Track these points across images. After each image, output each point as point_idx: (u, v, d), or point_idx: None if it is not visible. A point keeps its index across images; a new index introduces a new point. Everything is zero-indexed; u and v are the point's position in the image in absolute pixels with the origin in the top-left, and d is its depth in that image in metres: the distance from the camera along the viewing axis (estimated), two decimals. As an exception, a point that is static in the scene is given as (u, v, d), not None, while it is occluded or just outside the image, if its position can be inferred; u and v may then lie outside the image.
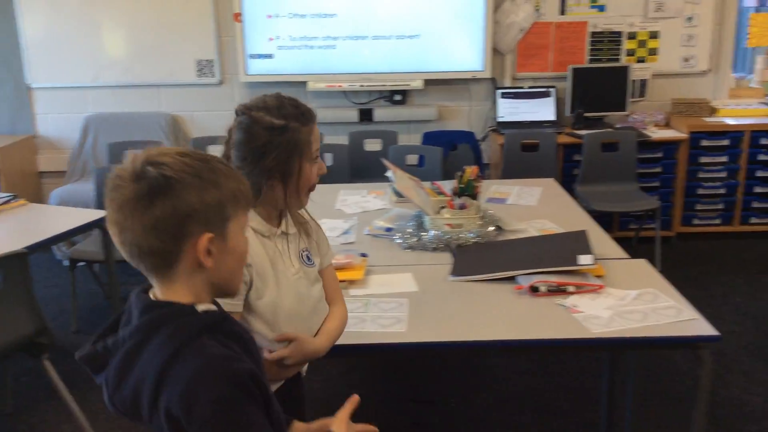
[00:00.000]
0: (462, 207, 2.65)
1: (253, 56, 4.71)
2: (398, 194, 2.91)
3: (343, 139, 4.61)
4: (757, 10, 5.07)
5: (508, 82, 4.89)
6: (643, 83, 4.85)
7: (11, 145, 4.71)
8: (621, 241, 2.67)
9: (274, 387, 1.52)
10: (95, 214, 3.25)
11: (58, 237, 3.05)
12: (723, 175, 4.65)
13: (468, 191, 2.74)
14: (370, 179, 3.80)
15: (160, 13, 4.71)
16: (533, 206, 3.09)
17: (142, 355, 1.04)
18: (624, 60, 4.85)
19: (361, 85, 4.76)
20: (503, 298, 2.11)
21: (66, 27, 4.72)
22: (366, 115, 4.84)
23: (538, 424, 2.82)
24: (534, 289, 2.11)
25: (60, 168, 4.87)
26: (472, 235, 2.56)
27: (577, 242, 2.39)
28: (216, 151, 4.65)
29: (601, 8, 4.79)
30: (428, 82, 4.79)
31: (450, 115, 4.97)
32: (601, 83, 4.78)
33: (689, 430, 1.98)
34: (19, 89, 4.84)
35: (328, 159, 4.20)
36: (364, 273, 2.29)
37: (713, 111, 4.78)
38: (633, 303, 2.02)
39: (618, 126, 4.69)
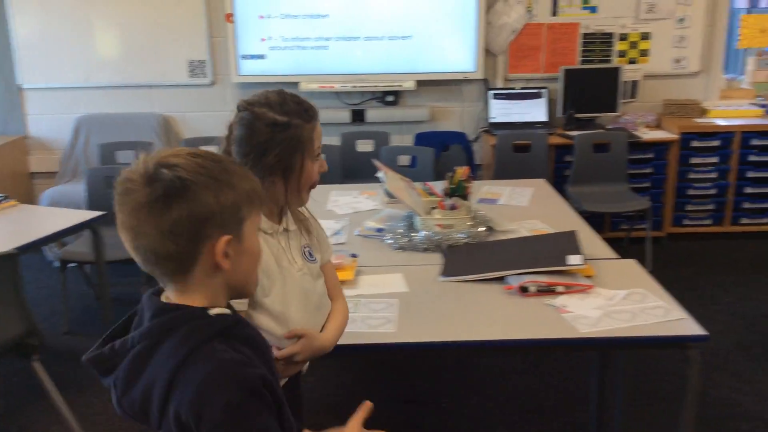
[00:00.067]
0: (453, 208, 2.66)
1: (245, 57, 4.71)
2: (390, 195, 2.92)
3: (335, 140, 4.61)
4: (749, 11, 5.09)
5: (500, 83, 4.90)
6: (635, 84, 4.87)
7: (2, 145, 4.69)
8: (612, 242, 2.69)
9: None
10: (86, 215, 3.24)
11: (48, 238, 3.04)
12: (714, 175, 4.67)
13: (459, 192, 2.75)
14: (362, 180, 3.80)
15: (152, 14, 4.70)
16: (524, 207, 3.10)
17: (153, 358, 1.02)
18: (615, 61, 4.87)
19: (354, 86, 4.77)
20: (493, 299, 2.11)
21: (57, 28, 4.71)
22: (358, 116, 4.84)
23: (528, 424, 2.83)
24: (524, 290, 2.12)
25: (51, 169, 4.86)
26: (462, 235, 2.57)
27: (567, 242, 2.40)
28: (210, 150, 4.60)
29: (593, 9, 4.81)
30: (420, 83, 4.80)
31: (442, 115, 4.98)
32: (592, 84, 4.80)
33: (678, 430, 1.99)
34: (10, 90, 4.82)
35: (320, 160, 4.18)
36: (355, 273, 2.29)
37: (704, 112, 4.81)
38: (622, 303, 2.03)
39: (609, 127, 4.71)
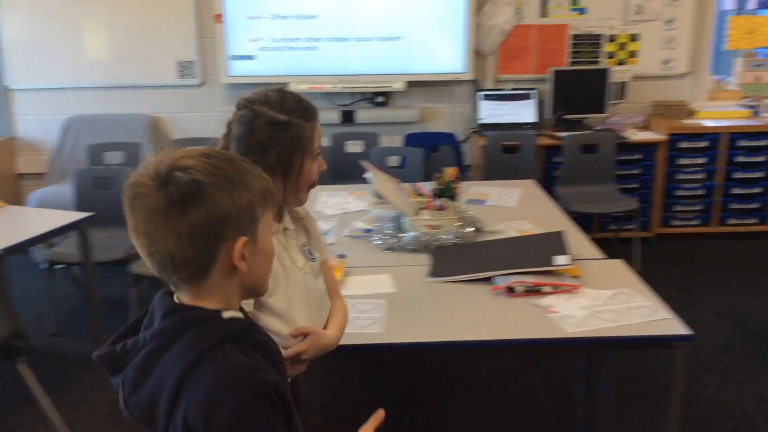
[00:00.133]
0: (441, 208, 2.66)
1: (234, 57, 4.70)
2: (378, 196, 2.92)
3: (324, 141, 4.58)
4: (738, 12, 5.13)
5: (489, 84, 4.91)
6: (623, 85, 4.89)
7: (-10, 146, 4.68)
8: (601, 242, 2.70)
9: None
10: (74, 216, 3.23)
11: (36, 239, 3.03)
12: (701, 176, 4.70)
13: (447, 193, 2.75)
14: (352, 181, 3.79)
15: (141, 15, 4.69)
16: (513, 207, 3.11)
17: (163, 359, 1.00)
18: (604, 62, 4.89)
19: (343, 87, 4.77)
20: (480, 299, 2.12)
21: (46, 28, 4.69)
22: (348, 117, 4.84)
23: (515, 424, 2.83)
24: (511, 290, 2.13)
25: (39, 170, 4.83)
26: (450, 236, 2.58)
27: (554, 243, 2.41)
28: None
29: (582, 11, 4.83)
30: (410, 84, 4.80)
31: (432, 116, 4.98)
32: (581, 85, 4.82)
33: (664, 428, 2.00)
34: (-3, 90, 4.81)
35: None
36: (343, 274, 2.29)
37: (692, 113, 4.84)
38: (608, 303, 2.04)
39: (598, 128, 4.73)
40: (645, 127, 4.85)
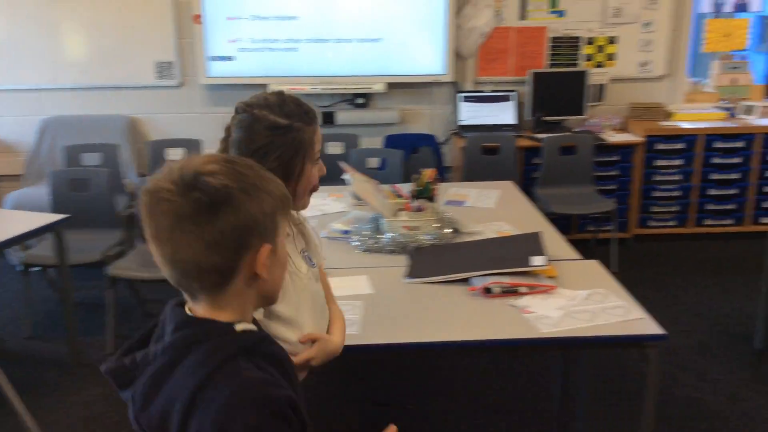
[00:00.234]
0: (419, 209, 2.67)
1: (213, 58, 4.68)
2: (357, 197, 2.92)
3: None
4: (715, 16, 5.19)
5: (469, 86, 4.93)
6: (602, 88, 4.93)
7: (-36, 147, 4.62)
8: (579, 243, 2.72)
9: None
10: (50, 218, 3.20)
11: (11, 241, 2.99)
12: (678, 177, 4.75)
13: (425, 194, 2.76)
14: (331, 182, 3.77)
15: (119, 15, 4.65)
16: (491, 209, 3.12)
17: (174, 374, 0.97)
18: (583, 65, 4.93)
19: (324, 88, 4.76)
20: (457, 300, 2.12)
21: (23, 28, 4.64)
22: (328, 118, 4.83)
23: (493, 424, 2.84)
24: (488, 291, 2.13)
25: (15, 171, 4.77)
26: (428, 237, 2.58)
27: (531, 244, 2.42)
28: (176, 154, 4.55)
29: (561, 14, 4.86)
30: (391, 86, 4.81)
31: (412, 118, 4.99)
32: (560, 87, 4.85)
33: (639, 427, 2.02)
34: (-27, 91, 4.75)
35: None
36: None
37: (669, 115, 4.89)
38: (583, 303, 2.05)
39: (576, 130, 4.77)
40: (623, 128, 4.90)
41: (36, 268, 3.75)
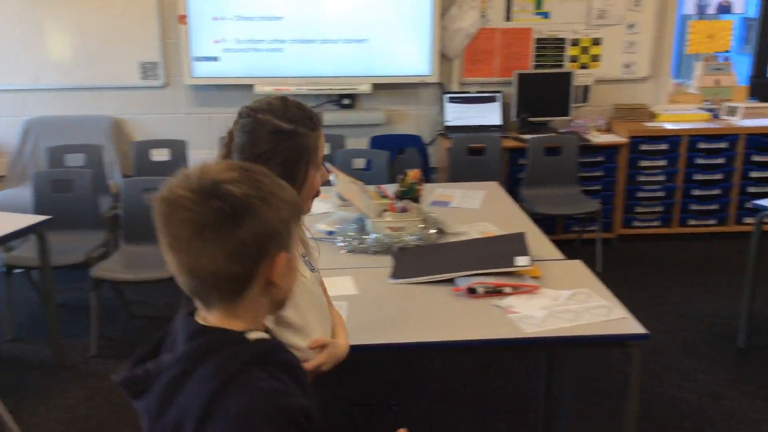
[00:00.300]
0: (403, 210, 2.67)
1: (198, 59, 4.65)
2: (341, 198, 2.92)
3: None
4: (699, 17, 5.23)
5: (455, 87, 4.94)
6: (586, 89, 4.96)
7: (-54, 148, 4.57)
8: (564, 243, 2.73)
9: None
10: (32, 219, 3.17)
11: (-8, 242, 2.97)
12: (662, 178, 4.78)
13: (410, 194, 2.76)
14: (317, 183, 3.78)
15: (104, 15, 4.62)
16: (476, 209, 3.13)
17: (187, 384, 0.95)
18: (567, 66, 4.95)
19: (309, 89, 4.76)
20: (442, 300, 2.13)
21: (6, 28, 4.60)
22: (314, 119, 4.82)
23: (477, 424, 2.85)
24: (472, 291, 2.14)
25: (-2, 172, 4.74)
26: (413, 238, 2.58)
27: (515, 244, 2.43)
28: (161, 154, 4.51)
29: (546, 15, 4.88)
30: (376, 87, 4.81)
31: (398, 119, 5.00)
32: (545, 89, 4.87)
33: (622, 426, 2.03)
34: (-46, 91, 4.70)
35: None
36: (304, 276, 2.28)
37: (653, 116, 4.92)
38: (566, 303, 2.06)
39: (561, 131, 4.79)
40: (607, 129, 4.93)
41: (19, 270, 3.72)
